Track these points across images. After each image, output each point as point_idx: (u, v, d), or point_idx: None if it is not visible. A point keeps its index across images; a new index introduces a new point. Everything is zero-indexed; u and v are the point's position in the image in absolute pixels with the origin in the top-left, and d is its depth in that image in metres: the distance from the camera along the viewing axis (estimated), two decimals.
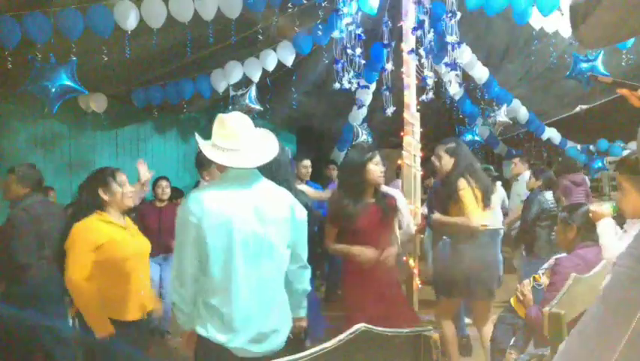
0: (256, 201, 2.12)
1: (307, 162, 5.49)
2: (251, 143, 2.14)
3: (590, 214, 2.79)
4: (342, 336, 1.51)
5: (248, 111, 6.03)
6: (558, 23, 5.02)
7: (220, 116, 2.17)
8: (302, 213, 2.24)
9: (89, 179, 2.85)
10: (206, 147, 2.14)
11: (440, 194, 3.68)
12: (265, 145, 2.20)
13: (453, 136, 7.55)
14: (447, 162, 3.56)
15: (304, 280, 2.35)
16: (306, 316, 2.44)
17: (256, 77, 5.83)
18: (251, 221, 2.08)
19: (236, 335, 2.04)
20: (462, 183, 3.46)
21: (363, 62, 5.04)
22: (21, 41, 4.04)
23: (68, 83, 4.34)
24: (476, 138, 7.64)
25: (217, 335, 2.04)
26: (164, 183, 5.27)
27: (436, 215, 3.60)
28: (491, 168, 6.18)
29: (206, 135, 2.24)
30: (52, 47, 4.15)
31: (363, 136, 7.00)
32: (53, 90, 4.29)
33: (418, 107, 4.67)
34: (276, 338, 2.14)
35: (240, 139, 2.12)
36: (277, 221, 2.14)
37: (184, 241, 2.07)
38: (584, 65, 5.46)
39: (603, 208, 2.72)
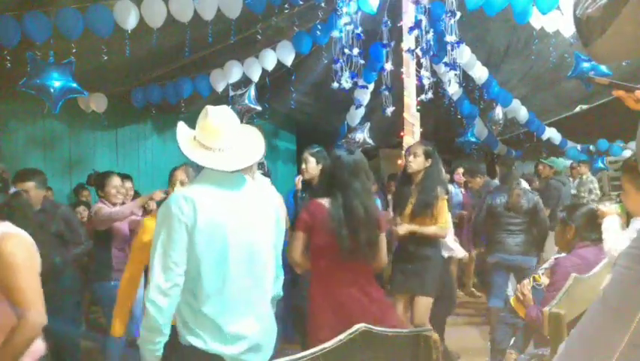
0: (245, 204, 2.02)
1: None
2: (236, 142, 2.01)
3: (598, 212, 2.82)
4: (342, 336, 1.51)
5: (247, 111, 6.04)
6: (558, 23, 5.02)
7: (206, 108, 2.00)
8: (283, 215, 2.18)
9: None
10: (187, 147, 2.03)
11: (416, 199, 3.62)
12: (250, 145, 2.06)
13: (452, 136, 7.62)
14: (421, 162, 3.61)
15: (279, 285, 2.27)
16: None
17: (255, 76, 5.82)
18: (243, 225, 1.98)
19: (234, 345, 1.95)
20: (441, 192, 3.56)
21: (362, 61, 5.05)
22: (21, 41, 4.04)
23: (67, 83, 4.34)
24: (474, 138, 7.65)
25: (214, 345, 1.92)
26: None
27: (410, 227, 3.54)
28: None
29: None
30: (51, 47, 4.15)
31: (361, 137, 6.98)
32: (52, 90, 4.29)
33: (418, 107, 4.67)
34: (269, 348, 2.07)
35: (224, 138, 1.98)
36: (265, 225, 2.07)
37: (171, 245, 1.86)
38: (586, 65, 5.45)
39: (610, 207, 2.76)
